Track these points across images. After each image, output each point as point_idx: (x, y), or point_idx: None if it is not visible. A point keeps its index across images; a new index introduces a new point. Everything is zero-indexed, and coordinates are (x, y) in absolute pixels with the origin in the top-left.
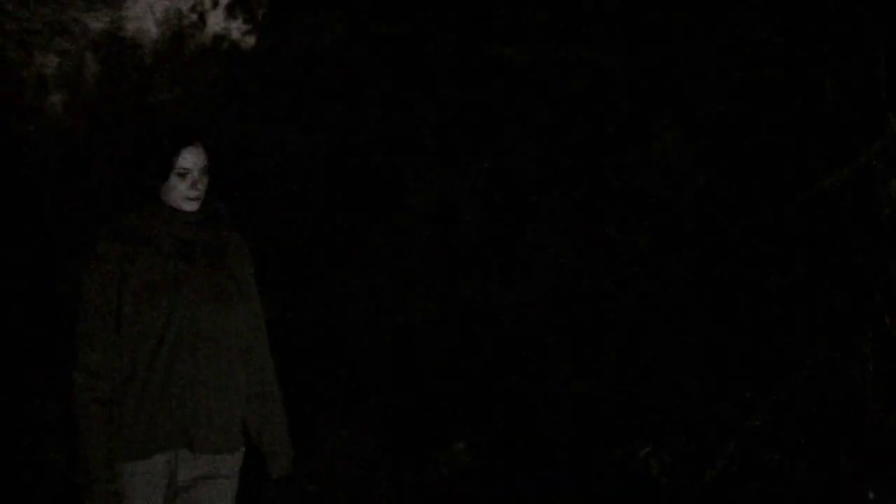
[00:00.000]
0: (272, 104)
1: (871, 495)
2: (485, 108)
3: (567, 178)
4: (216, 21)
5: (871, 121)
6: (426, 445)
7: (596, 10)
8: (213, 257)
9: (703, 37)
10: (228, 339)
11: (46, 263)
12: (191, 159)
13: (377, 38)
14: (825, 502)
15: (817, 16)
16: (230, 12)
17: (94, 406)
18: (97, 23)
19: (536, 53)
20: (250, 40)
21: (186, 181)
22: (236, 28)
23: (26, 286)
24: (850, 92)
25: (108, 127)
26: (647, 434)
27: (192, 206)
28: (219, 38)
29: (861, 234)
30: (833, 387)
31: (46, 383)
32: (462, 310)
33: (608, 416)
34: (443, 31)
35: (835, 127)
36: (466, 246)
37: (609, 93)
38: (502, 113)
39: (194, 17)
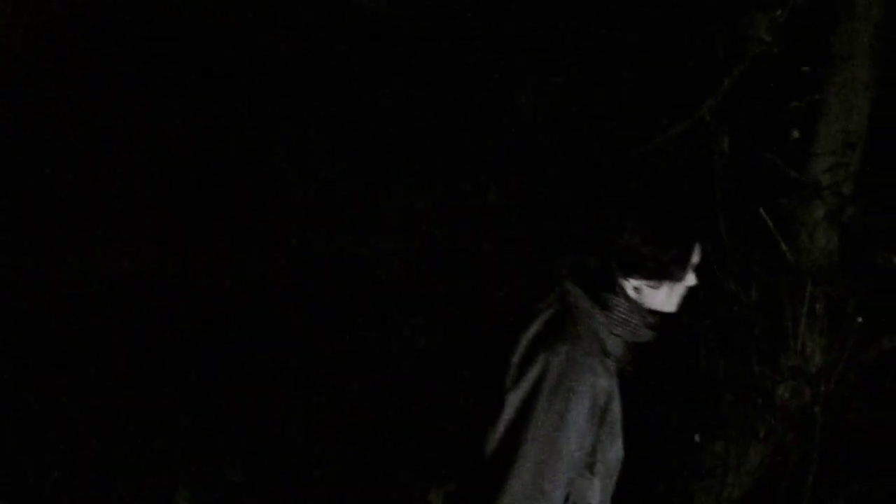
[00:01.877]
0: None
1: (696, 438)
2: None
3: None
4: None
5: (709, 79)
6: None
7: None
8: None
9: None
10: None
11: None
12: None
13: None
14: (657, 445)
15: None
16: None
17: None
18: None
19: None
20: None
21: (690, 281)
22: None
23: None
24: (689, 51)
25: None
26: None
27: (673, 309)
28: None
29: (695, 188)
30: (670, 341)
31: None
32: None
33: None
34: None
35: (677, 85)
36: (324, 203)
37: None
38: (356, 68)
39: None
